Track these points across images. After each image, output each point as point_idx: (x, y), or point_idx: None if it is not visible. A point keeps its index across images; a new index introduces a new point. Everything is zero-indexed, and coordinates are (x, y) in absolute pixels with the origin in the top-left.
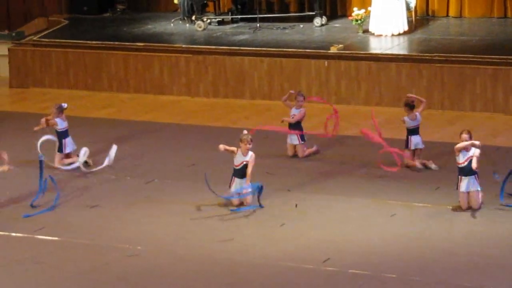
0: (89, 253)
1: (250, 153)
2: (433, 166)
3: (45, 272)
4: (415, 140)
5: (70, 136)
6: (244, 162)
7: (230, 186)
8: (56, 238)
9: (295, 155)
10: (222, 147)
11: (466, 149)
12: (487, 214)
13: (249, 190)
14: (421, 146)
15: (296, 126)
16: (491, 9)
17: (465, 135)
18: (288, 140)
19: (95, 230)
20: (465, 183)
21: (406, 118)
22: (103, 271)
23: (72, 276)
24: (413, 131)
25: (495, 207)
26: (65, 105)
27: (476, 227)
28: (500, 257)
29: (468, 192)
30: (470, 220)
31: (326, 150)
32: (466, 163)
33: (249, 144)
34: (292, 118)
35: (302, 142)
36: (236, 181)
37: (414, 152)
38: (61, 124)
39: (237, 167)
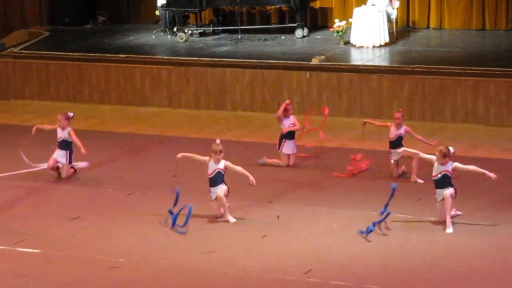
0: (71, 265)
1: (222, 161)
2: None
3: (26, 285)
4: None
5: (61, 150)
6: (217, 170)
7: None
8: (37, 251)
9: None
10: (180, 155)
11: (443, 163)
12: (467, 226)
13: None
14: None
15: (288, 135)
16: (469, 21)
17: (437, 154)
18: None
19: (76, 242)
20: (438, 195)
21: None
22: (85, 284)
23: None
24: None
25: (473, 219)
26: (71, 114)
27: (457, 238)
28: (481, 268)
29: (443, 196)
30: (451, 232)
31: (308, 161)
32: (439, 176)
33: (219, 154)
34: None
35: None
36: (212, 190)
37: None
38: (59, 133)
39: (210, 176)
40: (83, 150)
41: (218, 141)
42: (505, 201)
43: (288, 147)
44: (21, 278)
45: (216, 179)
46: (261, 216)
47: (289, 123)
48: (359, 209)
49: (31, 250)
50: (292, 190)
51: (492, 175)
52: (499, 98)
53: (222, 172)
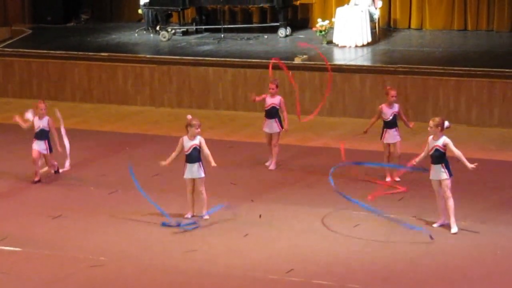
0: (52, 264)
1: (198, 137)
2: None
3: (8, 283)
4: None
5: (39, 141)
6: (194, 146)
7: (183, 174)
8: (18, 249)
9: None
10: (162, 163)
11: (436, 136)
12: (448, 226)
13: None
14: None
15: (275, 114)
16: (451, 21)
17: (431, 123)
18: (266, 130)
19: (58, 240)
20: (432, 172)
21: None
22: (66, 282)
23: (35, 286)
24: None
25: (455, 218)
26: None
27: (438, 238)
28: (463, 267)
29: (439, 181)
30: (433, 231)
31: (290, 160)
32: (432, 151)
33: (197, 128)
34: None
35: (281, 130)
36: (188, 166)
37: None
38: (37, 123)
39: (187, 152)
40: (59, 148)
41: (189, 116)
42: (486, 201)
43: (267, 126)
44: (2, 276)
45: (193, 155)
46: (243, 215)
47: (274, 102)
48: (341, 208)
49: (12, 248)
50: (274, 189)
51: (472, 166)
52: (480, 98)
53: (198, 148)
